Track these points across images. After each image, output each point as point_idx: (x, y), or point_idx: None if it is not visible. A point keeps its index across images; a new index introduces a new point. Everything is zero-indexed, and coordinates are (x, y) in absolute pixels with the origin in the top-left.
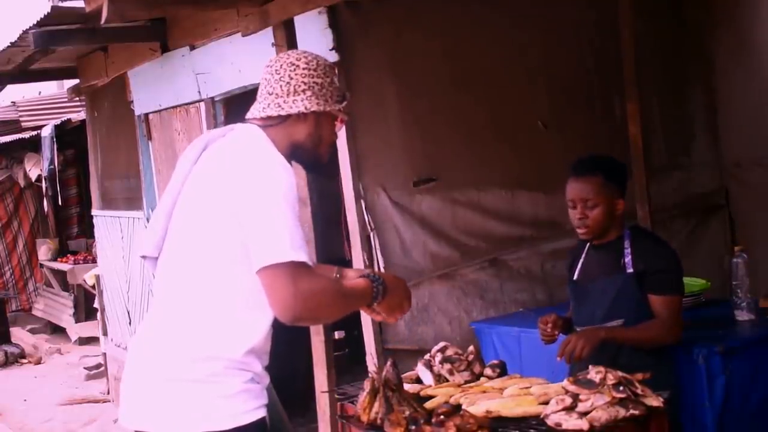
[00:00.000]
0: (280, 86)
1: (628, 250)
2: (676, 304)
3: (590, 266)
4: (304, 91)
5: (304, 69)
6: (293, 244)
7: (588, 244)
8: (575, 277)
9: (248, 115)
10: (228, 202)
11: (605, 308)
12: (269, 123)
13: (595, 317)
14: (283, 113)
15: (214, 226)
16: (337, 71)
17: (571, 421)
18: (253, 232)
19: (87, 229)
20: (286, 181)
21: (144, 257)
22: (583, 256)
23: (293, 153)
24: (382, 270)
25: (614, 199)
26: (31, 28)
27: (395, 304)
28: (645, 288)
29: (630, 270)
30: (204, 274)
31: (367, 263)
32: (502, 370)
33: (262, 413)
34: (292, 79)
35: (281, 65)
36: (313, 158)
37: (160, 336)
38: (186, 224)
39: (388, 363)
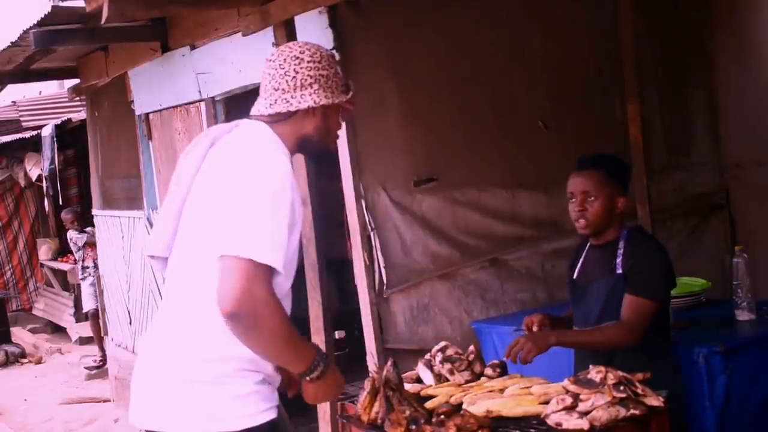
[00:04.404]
0: (286, 81)
1: (621, 251)
2: (644, 309)
3: (588, 266)
4: (311, 84)
5: (309, 62)
6: (271, 245)
7: (588, 244)
8: (574, 277)
9: (253, 112)
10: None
11: (598, 310)
12: (276, 119)
13: (590, 318)
14: (292, 109)
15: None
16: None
17: (571, 421)
18: (230, 220)
19: None
20: (280, 182)
21: (152, 257)
22: (583, 255)
23: (302, 146)
24: (383, 270)
25: (614, 197)
26: (31, 27)
27: (320, 393)
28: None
29: (619, 271)
30: (214, 273)
31: (368, 263)
32: (503, 370)
33: (272, 414)
34: (297, 73)
35: (285, 59)
36: (321, 149)
37: (171, 336)
38: (196, 224)
39: (389, 363)
